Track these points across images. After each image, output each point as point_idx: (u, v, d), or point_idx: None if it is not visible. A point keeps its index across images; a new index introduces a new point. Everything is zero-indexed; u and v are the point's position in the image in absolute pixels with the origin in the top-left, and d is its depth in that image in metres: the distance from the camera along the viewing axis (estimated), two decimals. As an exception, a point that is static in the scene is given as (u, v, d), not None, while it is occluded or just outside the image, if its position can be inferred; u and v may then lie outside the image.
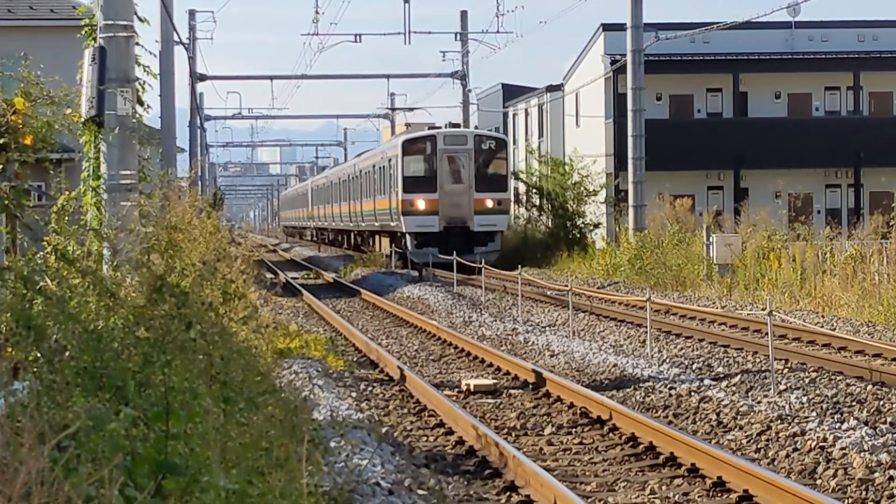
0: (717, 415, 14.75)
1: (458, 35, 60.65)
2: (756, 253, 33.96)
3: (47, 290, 8.03)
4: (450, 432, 14.48)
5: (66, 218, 12.04)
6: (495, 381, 18.46)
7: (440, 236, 46.71)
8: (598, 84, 53.28)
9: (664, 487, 11.56)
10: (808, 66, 54.88)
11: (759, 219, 37.72)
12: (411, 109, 76.63)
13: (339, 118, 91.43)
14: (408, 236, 47.34)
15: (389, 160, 50.45)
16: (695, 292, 33.68)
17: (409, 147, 48.24)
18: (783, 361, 18.70)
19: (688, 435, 13.25)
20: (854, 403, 14.98)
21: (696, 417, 14.91)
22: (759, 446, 13.12)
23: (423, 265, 45.68)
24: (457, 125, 52.23)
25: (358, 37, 60.86)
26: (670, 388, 16.60)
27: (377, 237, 56.43)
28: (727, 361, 19.17)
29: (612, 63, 51.02)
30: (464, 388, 17.95)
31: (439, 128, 51.50)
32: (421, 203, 47.10)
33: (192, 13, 58.53)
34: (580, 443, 13.95)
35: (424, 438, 14.39)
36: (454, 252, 41.43)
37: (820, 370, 17.75)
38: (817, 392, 15.82)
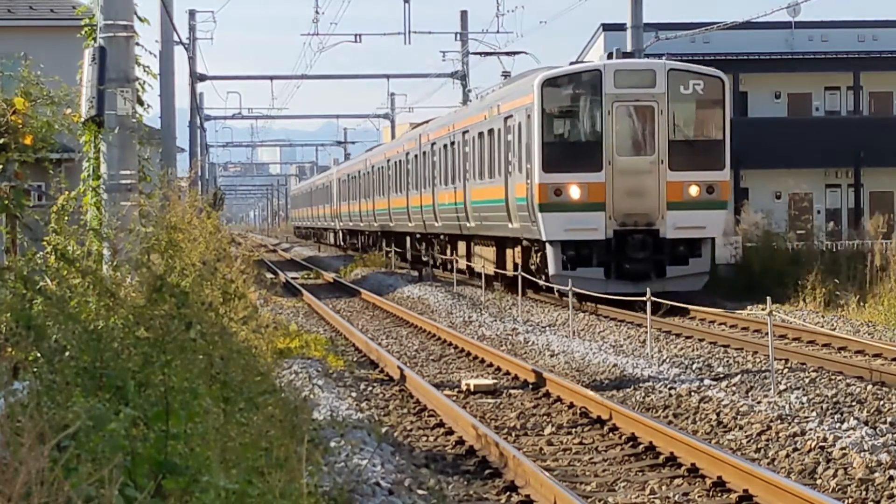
0: (717, 415, 14.75)
1: (458, 35, 60.63)
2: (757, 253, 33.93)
3: (47, 290, 8.03)
4: (450, 432, 14.49)
5: (66, 218, 12.03)
6: (495, 380, 18.46)
7: (607, 248, 28.35)
8: (599, 84, 53.09)
9: (664, 487, 11.56)
10: (808, 66, 54.89)
11: (761, 218, 37.72)
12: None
13: (339, 118, 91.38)
14: (549, 248, 28.51)
15: (507, 119, 31.69)
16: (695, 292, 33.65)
17: (555, 91, 28.96)
18: (783, 361, 18.70)
19: (688, 435, 13.25)
20: (854, 403, 14.98)
21: (696, 417, 14.91)
22: (759, 446, 13.12)
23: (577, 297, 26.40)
24: (631, 55, 31.88)
25: (358, 37, 60.82)
26: (670, 388, 16.59)
27: (466, 245, 38.62)
28: (727, 361, 19.17)
29: (613, 63, 50.88)
30: (464, 387, 17.95)
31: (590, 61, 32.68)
32: (574, 190, 28.22)
33: (192, 13, 58.47)
34: (580, 443, 13.95)
35: (424, 438, 14.39)
36: (633, 276, 28.12)
37: (820, 370, 17.74)
38: (817, 392, 15.82)
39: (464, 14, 61.31)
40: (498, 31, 56.94)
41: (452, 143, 38.69)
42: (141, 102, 15.31)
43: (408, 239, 49.29)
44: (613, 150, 28.31)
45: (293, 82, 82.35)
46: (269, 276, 43.60)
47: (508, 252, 32.84)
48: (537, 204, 28.49)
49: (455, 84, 60.39)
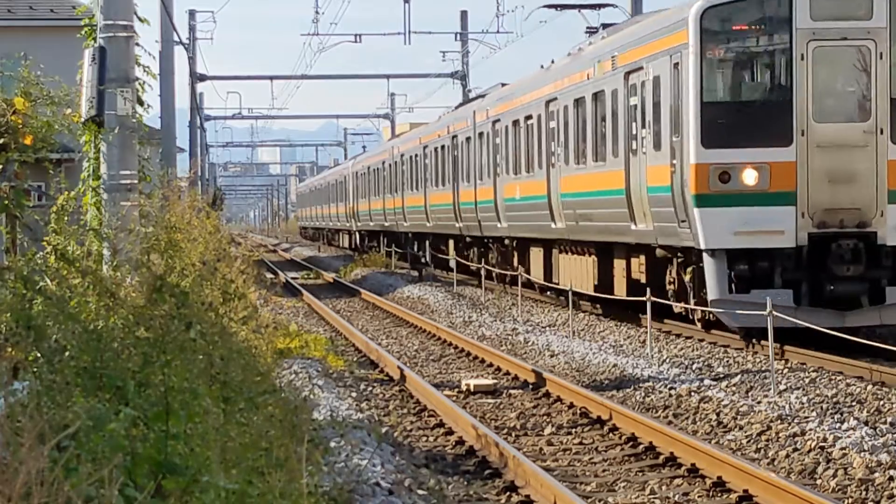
0: (717, 415, 14.75)
1: (458, 35, 60.65)
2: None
3: (47, 290, 8.03)
4: (450, 432, 14.49)
5: (66, 218, 12.05)
6: (495, 381, 18.46)
7: (797, 261, 19.64)
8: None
9: (664, 487, 11.56)
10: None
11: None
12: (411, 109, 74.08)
13: (339, 118, 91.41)
14: (709, 260, 19.65)
15: (629, 74, 22.73)
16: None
17: (721, 25, 20.11)
18: (783, 361, 18.68)
19: (688, 435, 13.25)
20: (854, 403, 14.97)
21: (696, 417, 14.91)
22: (759, 446, 13.12)
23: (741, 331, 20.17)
24: None
25: (358, 37, 60.83)
26: (670, 388, 16.60)
27: (544, 253, 29.38)
28: (727, 361, 19.15)
29: (613, 63, 50.62)
30: (464, 388, 17.95)
31: None
32: (750, 174, 19.62)
33: (192, 13, 58.51)
34: (580, 443, 13.96)
35: (424, 438, 14.40)
36: (836, 301, 19.29)
37: (820, 370, 17.73)
38: (817, 392, 15.82)
39: (464, 14, 61.33)
40: (498, 31, 56.96)
41: (528, 118, 29.51)
42: (141, 102, 15.33)
43: (451, 243, 40.44)
44: (809, 113, 19.46)
45: (293, 82, 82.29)
46: (269, 276, 43.61)
47: (619, 264, 23.86)
48: (692, 195, 19.63)
49: (455, 84, 60.43)
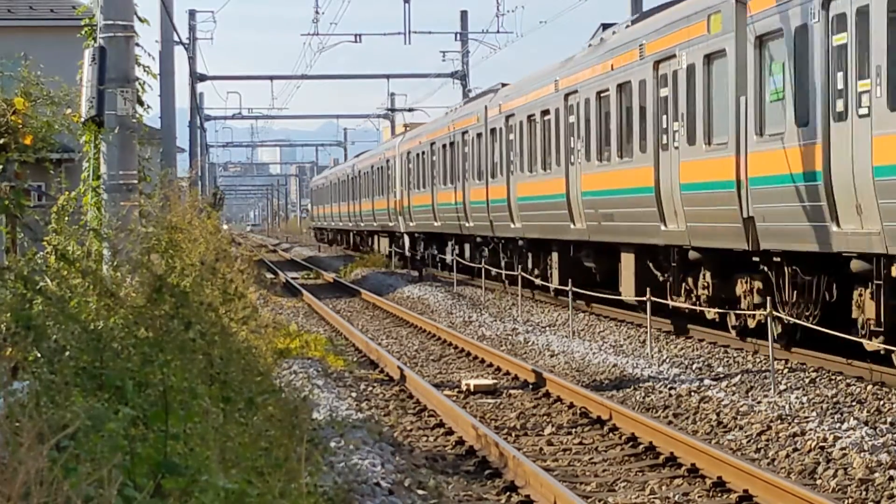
0: (717, 415, 14.75)
1: (458, 35, 60.67)
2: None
3: (47, 290, 8.03)
4: (450, 432, 14.49)
5: (66, 218, 12.05)
6: (495, 381, 18.47)
7: None
8: (599, 84, 52.21)
9: (664, 487, 11.56)
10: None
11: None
12: (411, 110, 73.97)
13: (339, 118, 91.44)
14: None
15: None
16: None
17: None
18: (783, 361, 18.68)
19: (688, 435, 13.25)
20: (854, 403, 14.97)
21: (696, 417, 14.91)
22: (759, 446, 13.12)
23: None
24: None
25: (358, 37, 60.85)
26: (670, 388, 16.60)
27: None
28: (727, 361, 19.16)
29: (612, 63, 50.37)
30: (464, 388, 17.95)
31: None
32: None
33: (192, 13, 58.54)
34: (580, 443, 13.96)
35: (424, 438, 14.39)
36: None
37: (820, 370, 17.73)
38: (817, 392, 15.81)
39: (464, 14, 61.36)
40: (498, 31, 56.98)
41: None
42: (141, 102, 15.34)
43: (627, 261, 24.10)
44: None
45: (293, 82, 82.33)
46: (269, 276, 43.61)
47: None
48: None
49: (455, 84, 60.43)
